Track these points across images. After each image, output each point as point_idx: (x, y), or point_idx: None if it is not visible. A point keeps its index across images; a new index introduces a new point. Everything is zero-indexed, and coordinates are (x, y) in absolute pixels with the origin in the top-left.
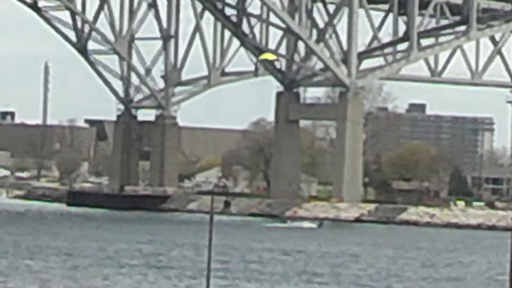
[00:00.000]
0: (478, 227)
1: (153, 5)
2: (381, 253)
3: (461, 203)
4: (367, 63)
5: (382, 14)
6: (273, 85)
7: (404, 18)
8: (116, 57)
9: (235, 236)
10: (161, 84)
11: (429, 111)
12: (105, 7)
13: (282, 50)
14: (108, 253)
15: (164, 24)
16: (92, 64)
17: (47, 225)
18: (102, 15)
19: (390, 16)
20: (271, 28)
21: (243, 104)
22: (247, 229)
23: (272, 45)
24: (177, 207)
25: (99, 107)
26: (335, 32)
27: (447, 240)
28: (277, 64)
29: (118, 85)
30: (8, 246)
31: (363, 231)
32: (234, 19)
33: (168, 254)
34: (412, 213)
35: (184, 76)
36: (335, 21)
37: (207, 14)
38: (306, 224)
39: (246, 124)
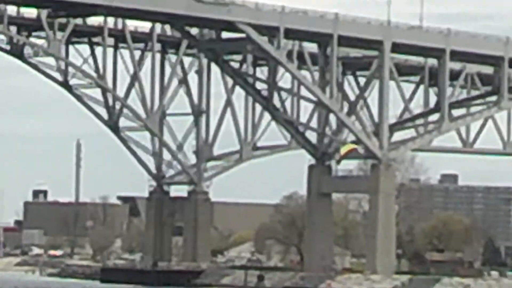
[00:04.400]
0: None
1: (183, 81)
2: None
3: (495, 274)
4: (398, 135)
5: (413, 85)
6: (305, 159)
7: (435, 89)
8: (147, 133)
9: None
10: (193, 159)
11: (461, 182)
12: (136, 83)
13: (314, 123)
14: None
15: (195, 100)
16: (123, 141)
17: None
18: (133, 91)
19: (421, 87)
20: (302, 102)
21: (276, 178)
22: None
23: (303, 119)
24: (210, 282)
25: (131, 184)
26: (366, 104)
27: None
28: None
29: (150, 161)
30: None
31: None
32: (265, 93)
33: None
34: (446, 284)
35: (216, 151)
36: (366, 93)
37: (238, 89)
38: None
39: (279, 198)
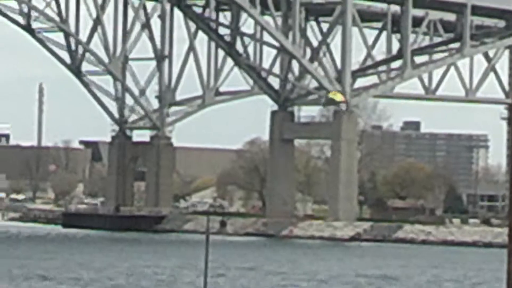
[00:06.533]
0: (474, 244)
1: (146, 26)
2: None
3: (456, 221)
4: (361, 81)
5: (376, 32)
6: (268, 104)
7: (398, 35)
8: (110, 78)
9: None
10: (155, 104)
11: (423, 129)
12: (99, 28)
13: (276, 69)
14: (108, 274)
15: (158, 45)
16: (86, 85)
17: (43, 247)
18: (96, 36)
19: (384, 34)
20: (265, 47)
21: (238, 123)
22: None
23: (266, 64)
24: (172, 227)
25: (94, 128)
26: (329, 50)
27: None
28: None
29: (112, 106)
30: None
31: (363, 250)
32: (227, 38)
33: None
34: (408, 231)
35: (179, 96)
36: (329, 40)
37: (200, 34)
38: None
39: (241, 143)
